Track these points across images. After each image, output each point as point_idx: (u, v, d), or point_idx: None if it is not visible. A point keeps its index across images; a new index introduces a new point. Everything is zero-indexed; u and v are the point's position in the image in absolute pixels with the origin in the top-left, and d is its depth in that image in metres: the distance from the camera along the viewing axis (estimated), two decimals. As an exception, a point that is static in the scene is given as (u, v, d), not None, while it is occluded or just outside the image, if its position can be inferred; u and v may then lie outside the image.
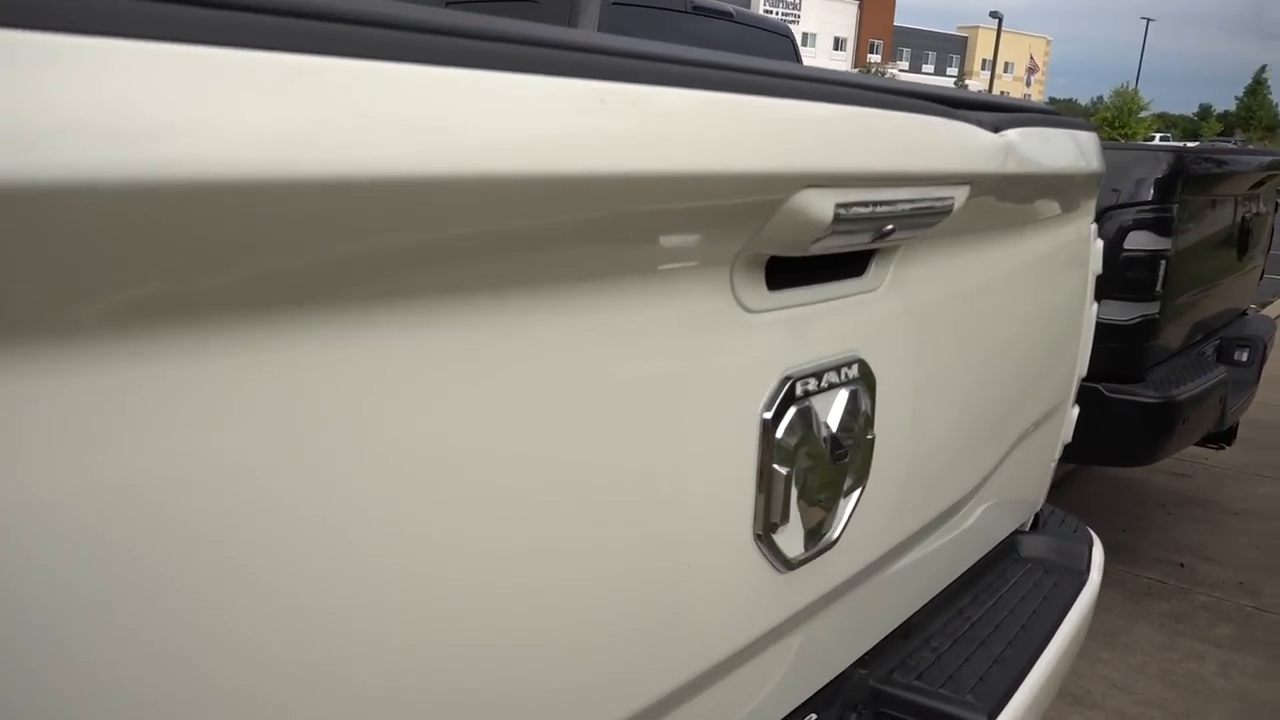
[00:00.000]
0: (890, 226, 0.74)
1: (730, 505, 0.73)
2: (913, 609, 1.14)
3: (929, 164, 0.75)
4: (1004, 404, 1.16)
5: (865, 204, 0.68)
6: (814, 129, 0.63)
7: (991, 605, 1.28)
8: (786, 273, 0.75)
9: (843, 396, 0.81)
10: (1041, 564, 1.48)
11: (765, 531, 0.76)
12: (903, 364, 0.90)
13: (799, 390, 0.76)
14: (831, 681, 1.00)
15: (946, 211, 0.80)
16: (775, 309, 0.73)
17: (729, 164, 0.57)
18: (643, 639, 0.69)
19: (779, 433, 0.74)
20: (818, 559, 0.84)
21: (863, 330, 0.84)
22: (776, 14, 52.42)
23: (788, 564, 0.80)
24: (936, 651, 1.18)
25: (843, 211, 0.66)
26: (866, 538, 0.91)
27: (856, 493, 0.86)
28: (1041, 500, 1.57)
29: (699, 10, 4.13)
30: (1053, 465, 1.54)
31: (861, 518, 0.89)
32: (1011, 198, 0.97)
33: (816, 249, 0.69)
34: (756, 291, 0.71)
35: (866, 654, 1.08)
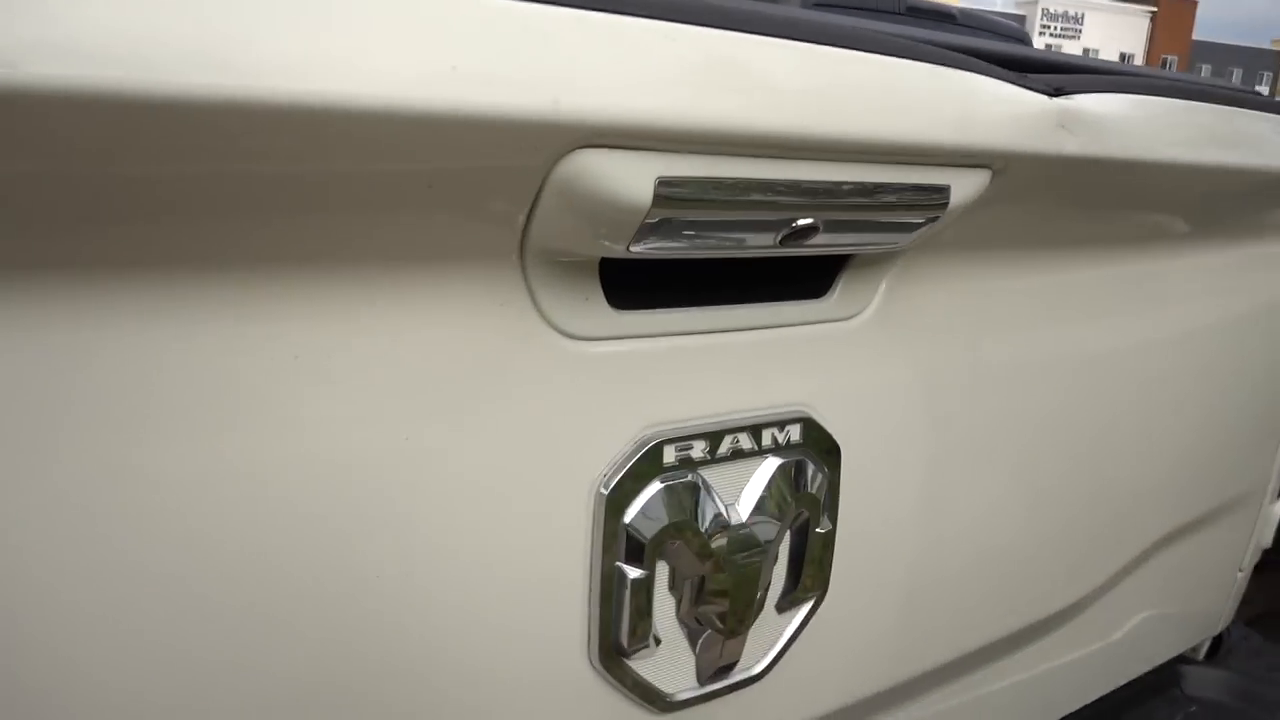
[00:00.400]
0: (808, 223, 0.48)
1: (545, 618, 0.50)
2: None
3: (891, 128, 0.48)
4: (1120, 492, 0.83)
5: (731, 184, 0.44)
6: (593, 45, 0.38)
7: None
8: (664, 287, 0.51)
9: (768, 470, 0.56)
10: (1216, 709, 1.10)
11: (609, 655, 0.52)
12: (900, 430, 0.63)
13: (672, 457, 0.52)
14: None
15: (939, 207, 0.53)
16: (631, 336, 0.50)
17: (418, 99, 0.35)
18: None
19: (628, 517, 0.51)
20: (729, 699, 0.59)
21: (819, 376, 0.58)
22: (1055, 28, 48.97)
23: (663, 702, 0.56)
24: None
25: (674, 192, 0.42)
26: (835, 671, 0.64)
27: (803, 609, 0.60)
28: (1225, 621, 1.18)
29: (915, 11, 3.79)
30: (1241, 576, 1.15)
31: (820, 643, 0.62)
32: (1103, 197, 0.67)
33: (648, 251, 0.45)
34: (587, 310, 0.48)
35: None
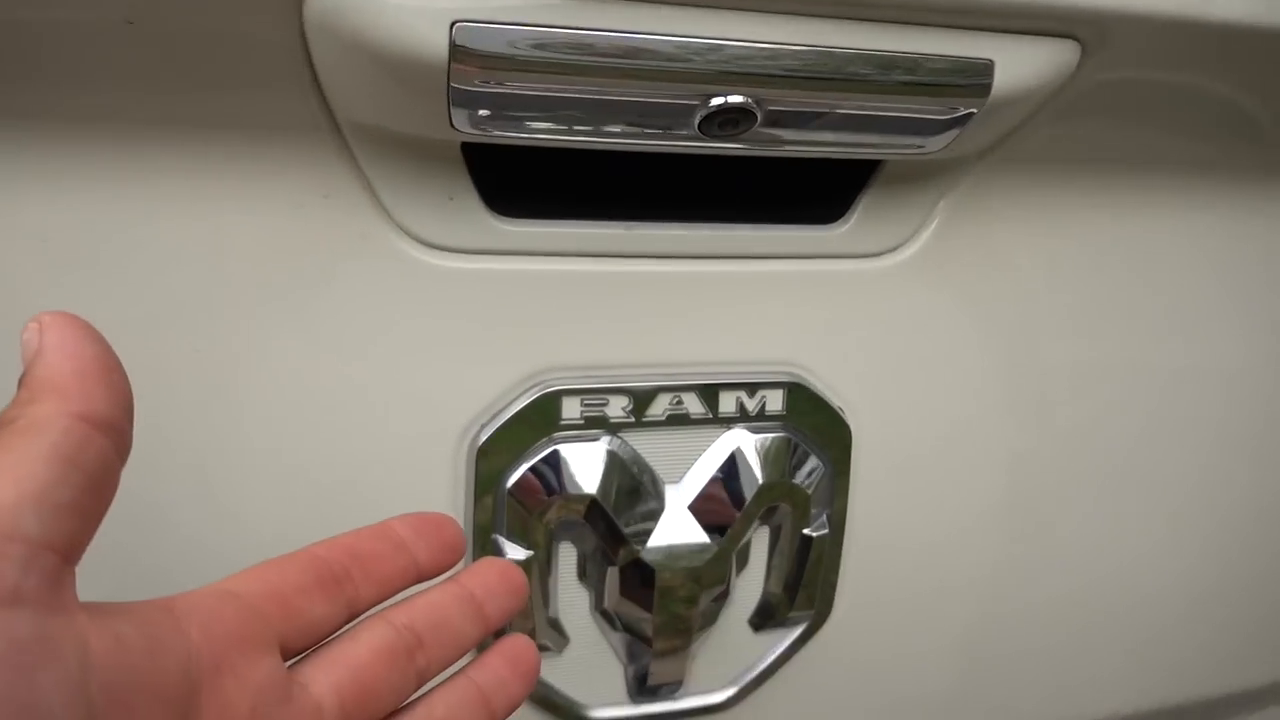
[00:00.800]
0: (737, 103, 0.34)
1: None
2: None
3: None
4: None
5: (579, 38, 0.31)
6: None
7: None
8: (590, 193, 0.40)
9: (727, 445, 0.43)
10: None
11: (491, 651, 0.42)
12: (953, 413, 0.47)
13: (576, 412, 0.41)
14: None
15: (974, 95, 0.36)
16: (518, 253, 0.39)
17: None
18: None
19: (510, 480, 0.40)
20: (676, 726, 0.46)
21: (823, 329, 0.44)
22: None
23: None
24: None
25: (485, 43, 0.30)
26: (825, 708, 0.49)
27: (790, 632, 0.47)
28: None
29: None
30: None
31: (814, 681, 0.48)
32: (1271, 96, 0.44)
33: (482, 134, 0.34)
34: (452, 214, 0.38)
35: None
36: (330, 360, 0.38)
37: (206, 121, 0.34)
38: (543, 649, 0.43)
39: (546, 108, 0.33)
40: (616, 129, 0.35)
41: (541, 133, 0.34)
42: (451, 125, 0.33)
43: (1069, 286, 0.47)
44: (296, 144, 0.35)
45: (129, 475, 0.23)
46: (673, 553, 0.42)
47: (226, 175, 0.35)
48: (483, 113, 0.33)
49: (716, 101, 0.34)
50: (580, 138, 0.35)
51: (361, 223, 0.37)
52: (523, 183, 0.39)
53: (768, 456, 0.43)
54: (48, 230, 0.34)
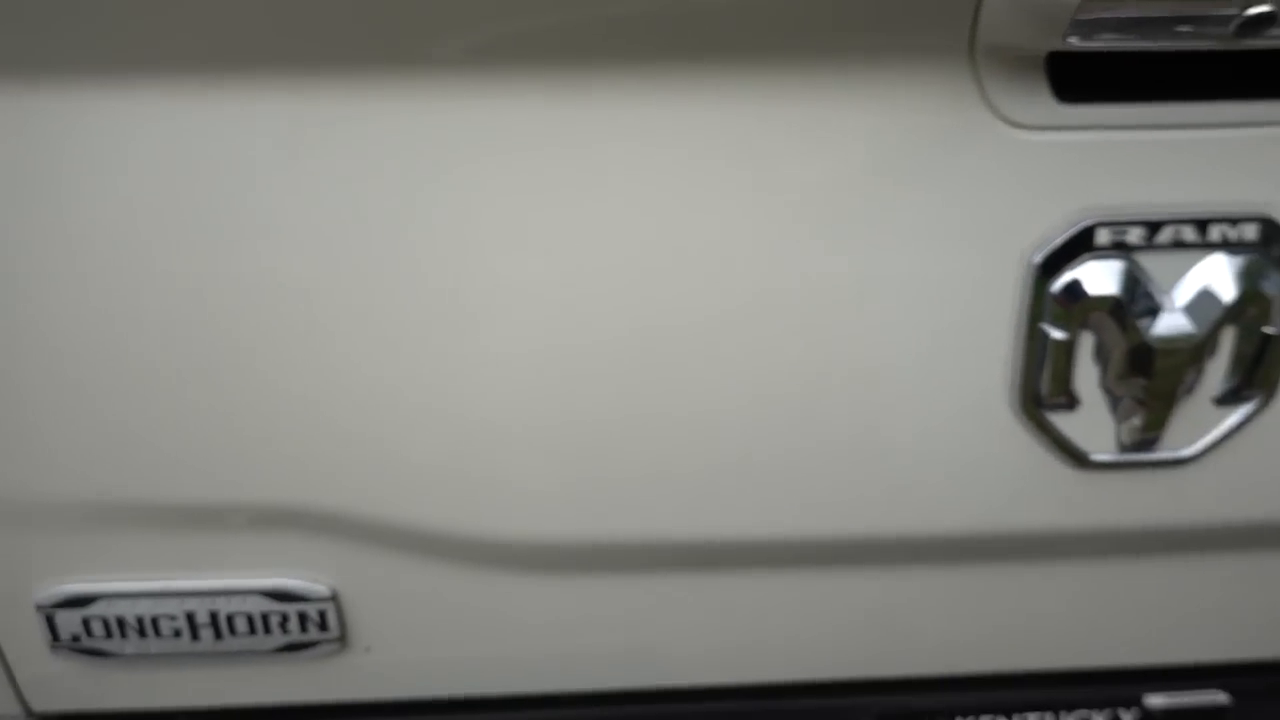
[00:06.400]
0: (1263, 11, 0.50)
1: (972, 365, 0.62)
2: None
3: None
4: None
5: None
6: None
7: None
8: (1104, 81, 0.57)
9: (1213, 264, 0.60)
10: None
11: (1029, 405, 0.62)
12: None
13: (1106, 239, 0.59)
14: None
15: None
16: (1076, 127, 0.57)
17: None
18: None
19: (1056, 287, 0.60)
20: (1149, 474, 0.65)
21: (1286, 179, 0.59)
22: None
23: (1082, 460, 0.64)
24: None
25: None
26: (1271, 476, 0.66)
27: (1244, 408, 0.63)
28: None
29: None
30: None
31: (1260, 447, 0.65)
32: None
33: (1085, 44, 0.52)
34: (1032, 101, 0.57)
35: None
36: (945, 205, 0.58)
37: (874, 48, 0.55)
38: (1062, 405, 0.62)
39: (1128, 24, 0.51)
40: (1175, 35, 0.52)
41: (1122, 42, 0.52)
42: (1064, 41, 0.52)
43: None
44: (945, 61, 0.55)
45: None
46: (1168, 341, 0.60)
47: (894, 82, 0.56)
48: (1089, 31, 0.51)
49: (1256, 10, 0.50)
50: (1148, 44, 0.52)
51: (974, 113, 0.57)
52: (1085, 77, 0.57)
53: (1242, 274, 0.60)
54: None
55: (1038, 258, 0.59)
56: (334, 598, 0.66)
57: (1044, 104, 0.57)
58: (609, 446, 0.63)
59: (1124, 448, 0.64)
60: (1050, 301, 0.60)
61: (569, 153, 0.56)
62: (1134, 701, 0.79)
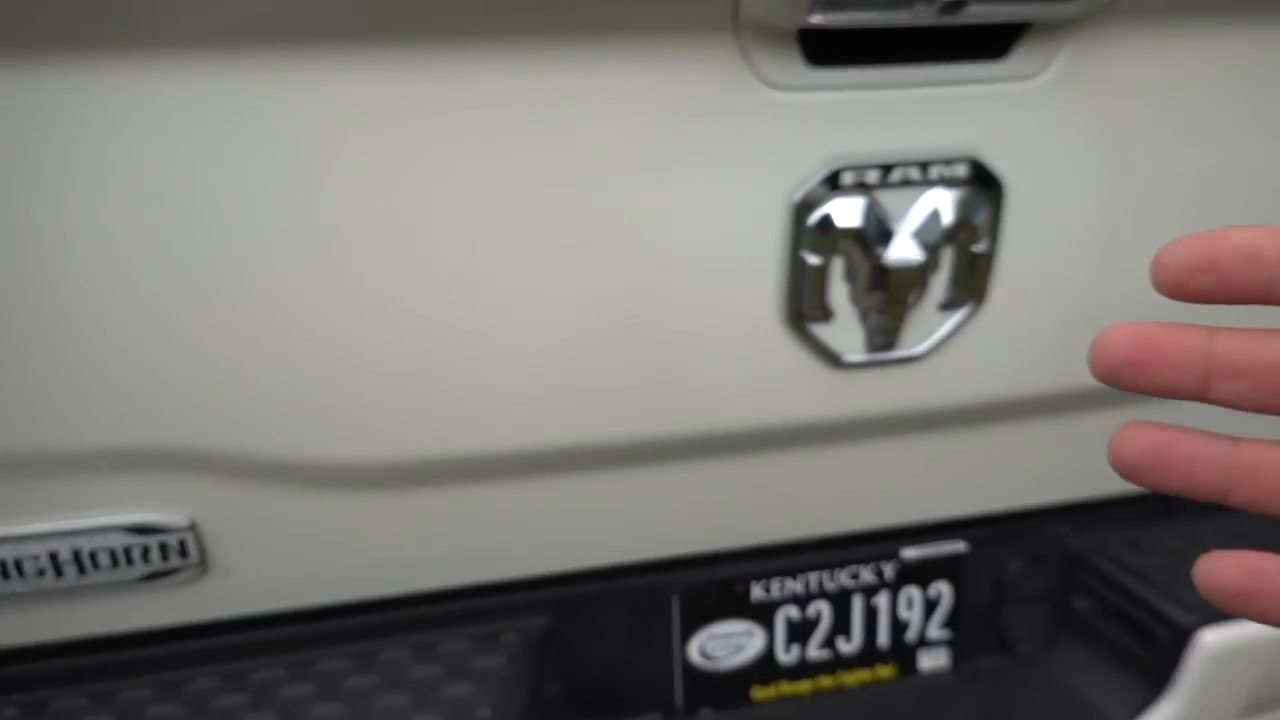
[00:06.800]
0: (959, -2, 0.62)
1: (744, 289, 0.74)
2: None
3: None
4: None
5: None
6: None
7: None
8: (846, 49, 0.68)
9: (934, 196, 0.73)
10: None
11: (794, 320, 0.75)
12: (1070, 178, 0.76)
13: (850, 180, 0.71)
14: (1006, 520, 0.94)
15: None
16: (823, 88, 0.68)
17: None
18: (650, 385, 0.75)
19: (811, 221, 0.72)
20: (893, 371, 0.79)
21: (990, 126, 0.73)
22: None
23: (837, 362, 0.78)
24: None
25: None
26: (985, 365, 0.82)
27: (961, 312, 0.78)
28: None
29: None
30: None
31: (976, 341, 0.80)
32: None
33: (825, 21, 0.63)
34: (787, 67, 0.67)
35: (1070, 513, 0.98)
36: (717, 157, 0.68)
37: (641, 25, 0.64)
38: (820, 318, 0.75)
39: (860, 3, 0.62)
40: (895, 13, 0.63)
41: (854, 18, 0.63)
42: (808, 20, 0.62)
43: (1163, 101, 0.75)
44: (710, 36, 0.65)
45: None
46: (900, 260, 0.74)
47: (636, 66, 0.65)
48: (827, 10, 0.62)
49: (950, -1, 0.62)
50: (875, 20, 0.64)
51: (739, 78, 0.67)
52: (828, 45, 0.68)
53: (956, 204, 0.73)
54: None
55: (796, 197, 0.71)
56: (193, 527, 0.72)
57: (797, 69, 0.68)
58: (436, 373, 0.71)
59: (870, 349, 0.78)
60: (807, 233, 0.72)
61: (394, 126, 0.63)
62: (893, 555, 0.96)
